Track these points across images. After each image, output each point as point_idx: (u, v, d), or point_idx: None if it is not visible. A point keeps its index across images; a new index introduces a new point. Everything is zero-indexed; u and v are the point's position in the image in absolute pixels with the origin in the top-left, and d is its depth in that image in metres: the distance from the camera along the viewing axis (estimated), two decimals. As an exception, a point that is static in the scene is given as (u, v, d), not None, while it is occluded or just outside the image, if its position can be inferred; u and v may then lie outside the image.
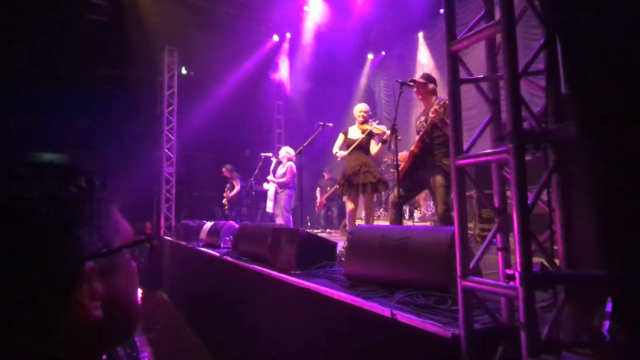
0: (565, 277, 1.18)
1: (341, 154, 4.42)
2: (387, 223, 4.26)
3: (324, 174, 9.02)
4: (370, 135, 4.39)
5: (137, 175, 9.04)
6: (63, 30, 7.92)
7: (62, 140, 8.86)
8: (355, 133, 4.51)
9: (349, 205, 4.42)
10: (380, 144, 4.30)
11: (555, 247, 1.27)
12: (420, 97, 3.55)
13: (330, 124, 5.17)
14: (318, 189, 9.02)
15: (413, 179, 3.55)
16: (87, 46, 8.32)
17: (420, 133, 3.40)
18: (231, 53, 9.53)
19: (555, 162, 1.25)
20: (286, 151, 6.70)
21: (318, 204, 8.62)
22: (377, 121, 4.46)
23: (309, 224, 9.90)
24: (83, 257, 0.51)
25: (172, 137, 9.16)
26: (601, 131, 1.05)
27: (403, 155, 3.61)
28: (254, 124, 10.64)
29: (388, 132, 4.15)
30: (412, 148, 3.49)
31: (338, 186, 4.51)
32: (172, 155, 9.13)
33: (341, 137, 4.68)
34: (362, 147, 4.40)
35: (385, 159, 8.20)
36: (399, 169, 3.50)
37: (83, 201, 0.53)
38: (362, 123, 4.48)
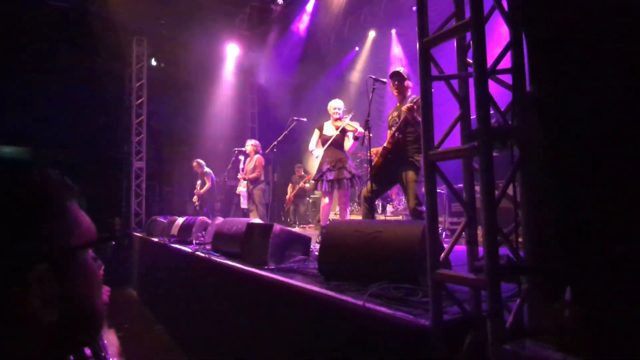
0: (529, 269, 1.23)
1: (317, 152, 4.49)
2: (361, 218, 4.32)
3: (296, 170, 9.03)
4: (344, 131, 4.44)
5: (106, 170, 8.76)
6: (22, 16, 7.51)
7: (23, 133, 8.43)
8: (329, 129, 4.58)
9: (324, 200, 4.48)
10: (353, 141, 4.37)
11: (520, 240, 1.32)
12: (396, 92, 3.59)
13: (304, 119, 5.16)
14: (290, 185, 9.01)
15: (385, 174, 3.60)
16: (49, 33, 7.93)
17: (393, 129, 3.45)
18: (203, 44, 9.33)
19: (520, 158, 1.30)
20: (252, 144, 6.68)
21: (287, 200, 8.61)
22: (351, 115, 4.51)
23: (282, 219, 9.88)
24: (31, 259, 0.48)
25: (142, 131, 8.90)
26: (563, 129, 1.10)
27: (376, 150, 3.65)
28: (227, 118, 10.48)
29: (361, 129, 4.20)
30: (385, 144, 3.54)
31: (313, 182, 4.57)
32: (142, 150, 8.88)
33: (316, 133, 4.72)
34: (337, 143, 4.48)
35: (359, 154, 8.29)
36: (372, 164, 3.54)
37: (34, 198, 0.50)
38: (337, 120, 4.54)
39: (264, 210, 6.47)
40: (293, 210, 8.92)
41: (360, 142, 3.89)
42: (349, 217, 4.50)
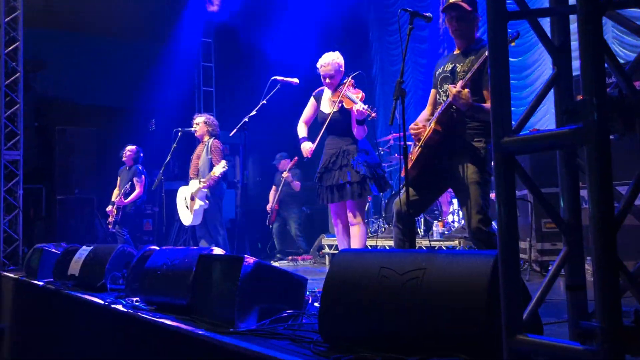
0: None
1: (305, 145, 4.71)
2: (392, 244, 4.37)
3: (278, 162, 9.05)
4: (342, 106, 4.56)
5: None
6: None
7: None
8: (327, 106, 4.72)
9: (338, 228, 4.73)
10: (357, 126, 4.51)
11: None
12: (456, 32, 3.62)
13: (295, 80, 5.19)
14: (273, 189, 9.03)
15: (431, 174, 3.62)
16: None
17: (449, 93, 3.45)
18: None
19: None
20: (203, 121, 6.76)
21: (269, 213, 8.65)
22: (351, 79, 4.62)
23: (259, 245, 9.91)
24: None
25: (17, 99, 8.88)
26: None
27: (417, 129, 3.67)
28: (164, 80, 10.53)
29: (363, 106, 4.31)
30: (432, 124, 3.55)
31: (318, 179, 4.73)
32: (17, 131, 8.86)
33: (311, 103, 4.84)
34: (339, 125, 4.60)
35: (387, 138, 8.33)
36: (409, 155, 3.57)
37: None
38: (329, 85, 4.68)
39: (224, 233, 6.49)
40: (278, 231, 8.96)
41: (364, 126, 4.00)
42: (361, 243, 4.56)
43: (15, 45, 8.92)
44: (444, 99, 3.58)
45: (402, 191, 3.57)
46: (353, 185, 4.46)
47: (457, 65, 3.60)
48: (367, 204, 4.92)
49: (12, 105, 8.79)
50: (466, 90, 3.33)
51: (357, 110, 4.34)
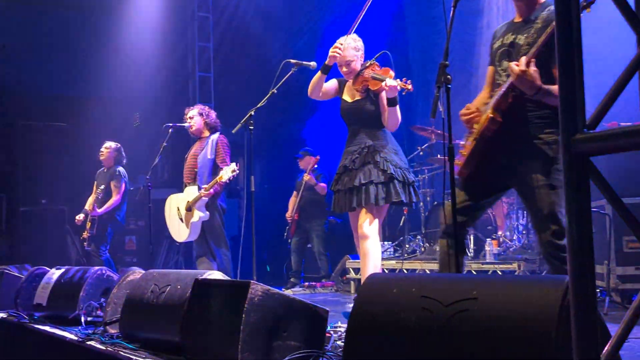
0: None
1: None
2: (434, 267, 4.35)
3: (300, 161, 8.99)
4: (369, 91, 4.62)
5: None
6: None
7: None
8: (350, 95, 4.81)
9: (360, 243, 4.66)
10: (389, 108, 4.52)
11: None
12: None
13: (311, 64, 5.21)
14: (293, 195, 9.00)
15: (487, 171, 3.59)
16: None
17: (511, 75, 3.41)
18: None
19: None
20: (197, 113, 6.75)
21: (289, 223, 8.62)
22: (375, 64, 4.63)
23: (268, 268, 9.91)
24: None
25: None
26: None
27: (470, 114, 3.63)
28: (151, 60, 10.60)
29: (393, 81, 4.32)
30: (489, 112, 3.50)
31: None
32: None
33: (332, 82, 4.92)
34: (364, 115, 4.68)
35: (427, 131, 8.27)
36: (462, 152, 3.56)
37: None
38: (348, 72, 4.73)
39: (227, 252, 6.50)
40: (296, 247, 8.97)
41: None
42: (374, 265, 4.51)
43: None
44: (504, 79, 3.54)
45: (450, 196, 3.53)
46: (377, 186, 4.45)
47: (519, 36, 3.54)
48: (385, 215, 4.86)
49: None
50: (532, 68, 3.23)
51: (387, 86, 4.34)
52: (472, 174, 3.60)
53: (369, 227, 4.52)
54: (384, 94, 4.53)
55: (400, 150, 4.76)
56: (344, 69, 4.75)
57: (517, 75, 3.26)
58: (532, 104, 3.43)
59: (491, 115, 3.45)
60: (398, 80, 4.33)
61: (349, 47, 4.70)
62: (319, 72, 4.71)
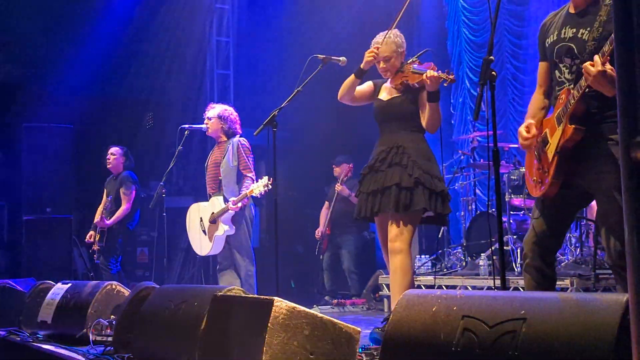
0: None
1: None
2: (476, 284, 4.33)
3: (335, 168, 8.99)
4: (409, 88, 4.61)
5: None
6: None
7: None
8: (386, 93, 4.81)
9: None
10: (428, 103, 4.49)
11: None
12: None
13: (342, 59, 5.22)
14: (325, 205, 9.00)
15: (567, 190, 3.54)
16: None
17: (586, 77, 3.35)
18: None
19: None
20: (217, 114, 6.76)
21: (319, 238, 8.62)
22: (416, 62, 4.66)
23: (292, 283, 9.91)
24: None
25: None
26: None
27: (529, 137, 3.60)
28: (164, 59, 10.64)
29: (434, 72, 4.32)
30: (566, 121, 3.44)
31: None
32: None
33: (368, 84, 4.93)
34: (399, 112, 4.69)
35: (469, 136, 8.22)
36: (520, 168, 3.53)
37: None
38: (394, 75, 4.71)
39: (253, 267, 6.51)
40: (328, 264, 8.97)
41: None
42: (405, 282, 4.44)
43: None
44: (567, 77, 3.53)
45: (532, 224, 3.51)
46: (401, 191, 4.40)
47: (581, 30, 3.49)
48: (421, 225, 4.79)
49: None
50: (609, 67, 3.14)
51: (428, 77, 4.33)
52: (550, 197, 3.55)
53: (398, 240, 4.46)
54: (424, 94, 4.52)
55: (434, 157, 4.71)
56: (382, 65, 4.74)
57: (594, 77, 3.18)
58: (602, 102, 3.38)
59: (574, 127, 3.38)
60: (440, 71, 4.33)
61: (389, 41, 4.70)
62: (352, 76, 4.72)
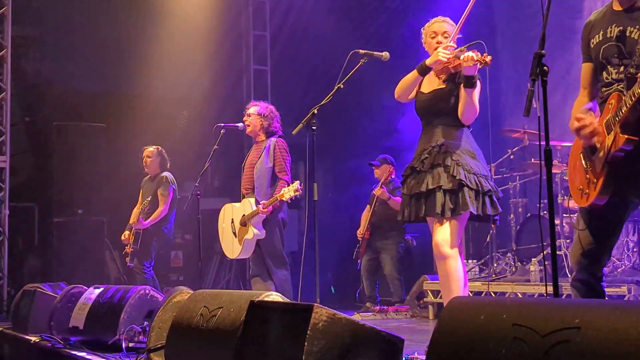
0: None
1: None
2: (527, 290, 4.30)
3: (375, 169, 8.97)
4: (452, 77, 4.58)
5: None
6: None
7: None
8: (429, 84, 4.75)
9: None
10: (468, 88, 4.42)
11: None
12: None
13: (384, 54, 5.20)
14: (367, 208, 8.99)
15: (615, 200, 3.49)
16: None
17: (638, 84, 3.32)
18: None
19: None
20: (257, 112, 6.78)
21: (360, 241, 8.61)
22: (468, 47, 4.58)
23: (332, 289, 9.90)
24: None
25: (4, 85, 9.18)
26: None
27: (586, 127, 3.55)
28: (199, 54, 10.70)
29: (472, 52, 4.28)
30: (618, 130, 3.39)
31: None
32: (2, 128, 9.16)
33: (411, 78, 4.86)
34: (441, 105, 4.63)
35: (518, 132, 8.15)
36: (562, 167, 3.50)
37: None
38: (442, 66, 4.59)
39: (287, 272, 6.53)
40: (367, 269, 8.97)
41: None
42: (456, 287, 4.45)
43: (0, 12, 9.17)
44: (615, 77, 3.48)
45: (577, 236, 3.49)
46: (445, 194, 4.38)
47: (630, 28, 3.44)
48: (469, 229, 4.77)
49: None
50: None
51: (465, 59, 4.26)
52: (598, 210, 3.50)
53: (447, 245, 4.45)
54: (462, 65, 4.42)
55: (480, 153, 4.68)
56: (442, 55, 4.55)
57: None
58: None
59: (627, 137, 3.30)
60: (476, 51, 4.28)
61: (444, 29, 4.72)
62: (415, 73, 4.67)
